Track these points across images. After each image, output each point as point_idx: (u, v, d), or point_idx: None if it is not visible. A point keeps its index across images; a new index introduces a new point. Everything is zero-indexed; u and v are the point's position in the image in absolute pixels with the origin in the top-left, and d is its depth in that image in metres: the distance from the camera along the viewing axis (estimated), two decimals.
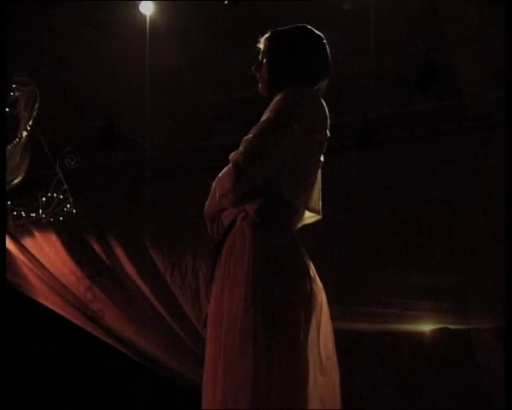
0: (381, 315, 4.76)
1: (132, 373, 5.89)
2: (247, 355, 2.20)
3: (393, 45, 4.22)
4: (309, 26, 2.57)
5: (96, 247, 5.59)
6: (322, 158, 2.47)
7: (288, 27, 2.58)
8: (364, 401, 4.77)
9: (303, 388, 2.25)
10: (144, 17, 4.19)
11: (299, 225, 2.50)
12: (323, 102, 2.44)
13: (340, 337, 2.42)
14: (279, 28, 2.57)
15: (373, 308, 4.76)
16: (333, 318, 2.42)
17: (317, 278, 2.42)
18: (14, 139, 4.13)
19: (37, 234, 5.65)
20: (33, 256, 5.77)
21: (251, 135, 2.34)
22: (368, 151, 4.53)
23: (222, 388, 2.23)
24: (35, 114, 4.15)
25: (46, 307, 5.84)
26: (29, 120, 4.15)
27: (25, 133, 4.14)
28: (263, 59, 2.58)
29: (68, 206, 4.95)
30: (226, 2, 3.88)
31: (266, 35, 2.59)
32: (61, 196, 4.90)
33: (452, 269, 4.46)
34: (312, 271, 2.41)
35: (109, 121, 5.11)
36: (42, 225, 5.28)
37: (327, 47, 2.56)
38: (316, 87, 2.52)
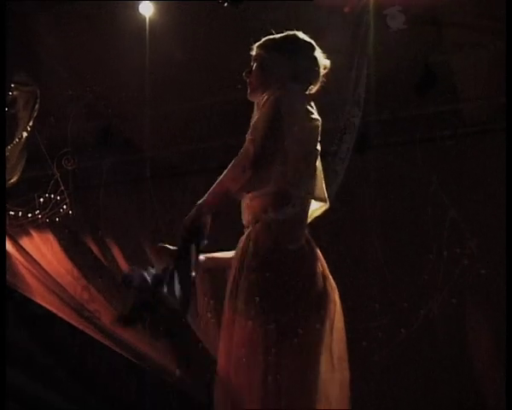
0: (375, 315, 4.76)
1: (129, 374, 5.87)
2: (257, 357, 2.22)
3: (392, 50, 4.24)
4: (300, 34, 2.60)
5: (94, 247, 5.58)
6: (318, 146, 2.50)
7: (279, 35, 2.61)
8: (359, 402, 4.76)
9: (313, 388, 2.27)
10: (144, 18, 4.21)
11: (309, 219, 2.52)
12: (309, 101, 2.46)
13: None
14: (270, 36, 2.61)
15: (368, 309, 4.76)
16: None
17: (331, 278, 2.44)
18: (14, 140, 4.13)
19: (34, 234, 5.64)
20: (30, 256, 5.76)
21: (257, 135, 2.35)
22: (367, 155, 4.54)
23: (233, 387, 2.25)
24: (35, 114, 4.15)
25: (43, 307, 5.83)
26: (29, 121, 4.14)
27: (25, 134, 4.13)
28: (253, 65, 2.62)
29: (65, 207, 4.96)
30: (226, 4, 3.89)
31: (258, 42, 2.63)
32: (58, 198, 4.91)
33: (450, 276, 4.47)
34: (326, 270, 2.43)
35: (107, 122, 5.11)
36: (39, 226, 5.28)
37: (318, 54, 2.59)
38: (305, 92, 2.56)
